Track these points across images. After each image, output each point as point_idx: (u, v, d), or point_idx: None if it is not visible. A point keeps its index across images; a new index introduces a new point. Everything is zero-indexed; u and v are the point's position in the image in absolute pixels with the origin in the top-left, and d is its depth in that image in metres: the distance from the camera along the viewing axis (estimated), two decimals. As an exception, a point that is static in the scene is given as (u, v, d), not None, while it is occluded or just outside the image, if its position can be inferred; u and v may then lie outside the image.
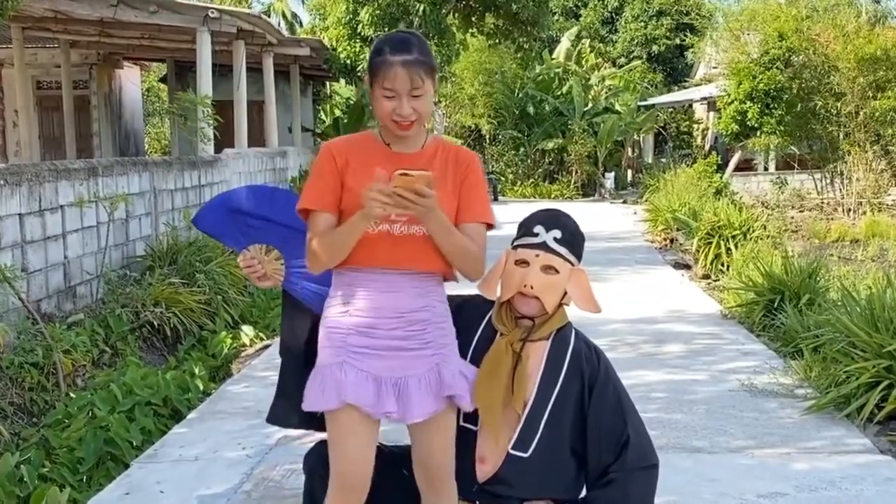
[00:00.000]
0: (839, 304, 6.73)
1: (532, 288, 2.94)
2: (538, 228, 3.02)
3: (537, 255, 2.97)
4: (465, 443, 3.00)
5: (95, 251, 8.82)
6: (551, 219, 3.06)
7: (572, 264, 3.02)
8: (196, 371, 6.93)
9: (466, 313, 3.13)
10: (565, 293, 3.01)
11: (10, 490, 4.79)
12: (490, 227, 2.93)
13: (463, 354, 3.02)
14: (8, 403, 6.14)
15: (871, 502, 4.14)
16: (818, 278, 8.16)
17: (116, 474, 5.00)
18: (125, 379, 6.34)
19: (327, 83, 27.70)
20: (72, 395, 6.29)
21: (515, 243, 3.06)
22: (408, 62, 2.77)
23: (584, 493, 3.08)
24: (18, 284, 7.07)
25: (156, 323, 8.07)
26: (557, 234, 3.01)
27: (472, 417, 2.98)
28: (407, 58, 2.78)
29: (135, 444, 5.50)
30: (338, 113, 28.00)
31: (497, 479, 2.99)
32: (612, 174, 28.16)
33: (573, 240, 3.05)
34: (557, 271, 2.97)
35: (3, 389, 6.29)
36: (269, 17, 28.38)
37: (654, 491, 3.05)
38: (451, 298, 3.21)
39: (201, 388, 6.69)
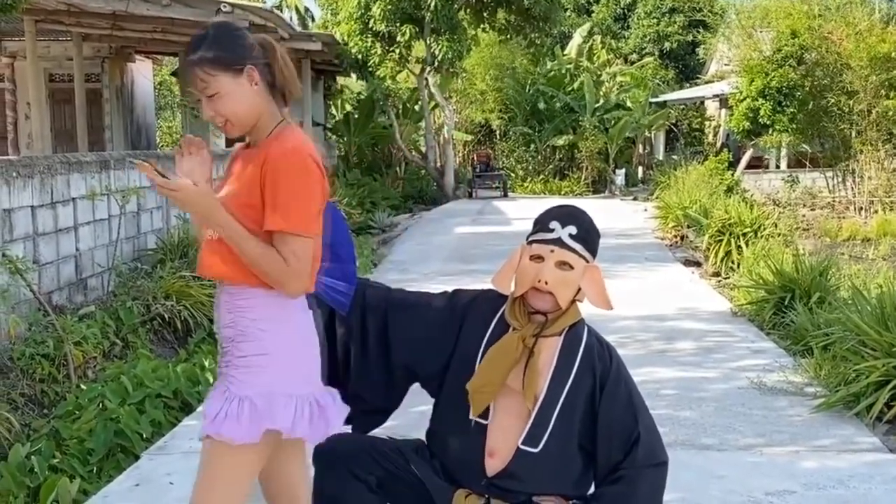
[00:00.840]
0: (849, 302, 6.73)
1: (546, 283, 2.94)
2: (554, 224, 3.02)
3: (552, 251, 2.97)
4: (476, 436, 3.00)
5: (107, 244, 8.87)
6: (567, 215, 3.06)
7: (587, 261, 3.02)
8: (206, 364, 6.95)
9: (478, 308, 3.13)
10: (579, 289, 3.01)
11: (21, 480, 4.82)
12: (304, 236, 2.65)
13: (475, 349, 3.02)
14: (19, 394, 6.18)
15: (879, 501, 4.14)
16: (829, 277, 8.16)
17: (126, 466, 5.03)
18: (136, 371, 6.37)
19: (338, 78, 27.73)
20: (82, 386, 6.32)
21: (530, 238, 3.05)
22: (192, 62, 2.63)
23: (592, 489, 3.08)
24: (30, 276, 7.11)
25: (166, 316, 8.10)
26: (573, 230, 3.01)
27: (484, 412, 2.99)
28: (191, 58, 2.64)
29: (145, 435, 5.53)
30: (348, 108, 28.05)
31: (506, 474, 2.99)
32: (623, 171, 28.11)
33: (588, 236, 3.04)
34: (572, 267, 2.97)
35: (14, 381, 6.34)
36: (281, 11, 28.42)
37: (664, 488, 3.06)
38: (462, 293, 3.22)
39: (211, 380, 6.71)
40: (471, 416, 3.00)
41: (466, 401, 3.00)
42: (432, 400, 3.20)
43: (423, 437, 3.23)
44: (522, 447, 2.97)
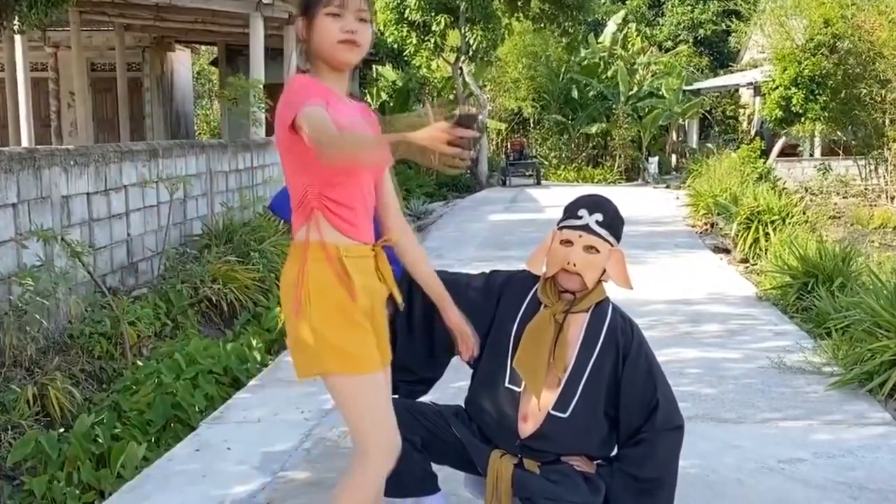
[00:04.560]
0: (868, 287, 6.97)
1: (575, 265, 3.24)
2: (582, 212, 3.32)
3: (580, 236, 3.27)
4: (510, 403, 3.31)
5: (156, 229, 9.24)
6: (594, 203, 3.35)
7: (612, 245, 3.31)
8: (254, 343, 7.30)
9: (513, 287, 3.45)
10: (604, 271, 3.31)
11: (87, 448, 5.19)
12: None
13: (510, 323, 3.34)
14: (79, 370, 6.55)
15: (885, 469, 4.41)
16: (851, 263, 8.38)
17: (183, 435, 5.38)
18: (188, 349, 6.74)
19: (374, 67, 28.01)
20: (139, 363, 6.68)
21: (561, 224, 3.35)
22: None
23: (615, 451, 3.38)
24: (86, 260, 7.49)
25: (213, 298, 8.45)
26: (599, 217, 3.30)
27: (516, 379, 3.30)
28: None
29: (199, 408, 5.90)
30: (384, 97, 28.28)
31: (538, 436, 3.29)
32: (656, 159, 28.16)
33: (613, 223, 3.33)
34: (598, 251, 3.27)
35: (75, 357, 6.71)
36: None
37: (680, 450, 3.34)
38: (498, 273, 3.54)
39: (259, 358, 7.07)
40: (506, 384, 3.33)
41: (502, 370, 3.33)
42: (467, 377, 3.51)
43: (461, 405, 3.56)
44: (553, 412, 3.27)
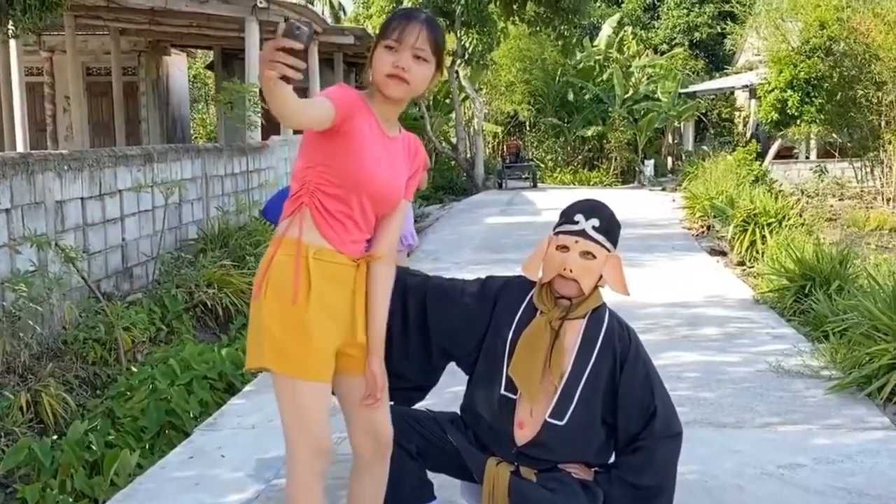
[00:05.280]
0: (866, 290, 6.95)
1: (571, 271, 3.20)
2: (578, 217, 3.28)
3: (577, 242, 3.23)
4: (506, 410, 3.28)
5: (151, 234, 9.21)
6: (590, 208, 3.32)
7: (608, 251, 3.28)
8: (248, 348, 7.25)
9: (509, 293, 3.40)
10: (601, 276, 3.28)
11: (80, 455, 5.15)
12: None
13: (506, 330, 3.30)
14: (73, 376, 6.51)
15: (884, 474, 4.37)
16: (848, 265, 8.36)
17: (177, 442, 5.35)
18: (183, 354, 6.70)
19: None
20: (133, 369, 6.65)
21: (557, 230, 3.32)
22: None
23: (613, 458, 3.35)
24: (81, 265, 7.46)
25: (208, 303, 8.42)
26: (596, 222, 3.26)
27: (512, 387, 3.27)
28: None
29: (193, 414, 5.86)
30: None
31: (534, 444, 3.26)
32: (652, 161, 28.21)
33: (610, 228, 3.30)
34: (594, 256, 3.23)
35: (69, 363, 6.67)
36: (313, 5, 28.70)
37: (678, 457, 3.31)
38: (494, 279, 3.50)
39: (254, 364, 7.02)
40: (502, 391, 3.29)
41: (498, 377, 3.29)
42: (463, 382, 3.47)
43: (457, 412, 3.52)
44: (549, 420, 3.24)
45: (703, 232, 14.73)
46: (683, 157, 27.80)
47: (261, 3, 14.13)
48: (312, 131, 2.83)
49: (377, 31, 2.96)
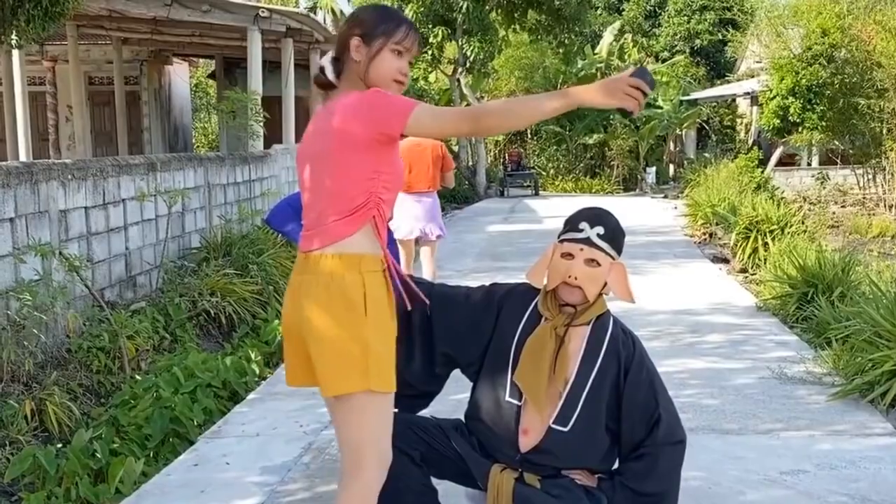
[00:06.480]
0: (869, 296, 6.96)
1: (576, 279, 3.23)
2: (583, 225, 3.30)
3: (581, 249, 3.26)
4: (510, 416, 3.29)
5: (154, 243, 9.22)
6: (595, 216, 3.34)
7: (613, 258, 3.30)
8: (252, 356, 7.28)
9: (513, 300, 3.42)
10: (605, 284, 3.30)
11: (85, 463, 5.16)
12: None
13: (511, 337, 3.32)
14: (77, 385, 6.51)
15: (888, 480, 4.38)
16: (850, 272, 8.37)
17: (182, 450, 5.35)
18: (186, 363, 6.71)
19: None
20: (137, 377, 6.64)
21: (562, 237, 3.34)
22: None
23: (616, 464, 3.37)
24: (85, 274, 7.47)
25: (212, 311, 8.42)
26: (601, 230, 3.28)
27: (516, 393, 3.28)
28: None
29: (197, 422, 5.87)
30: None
31: (539, 450, 3.27)
32: (654, 169, 28.24)
33: (614, 236, 3.32)
34: (599, 264, 3.26)
35: (73, 372, 6.67)
36: (315, 13, 28.75)
37: (682, 464, 3.33)
38: (498, 286, 3.52)
39: (258, 371, 7.04)
40: (506, 398, 3.30)
41: (503, 383, 3.31)
42: (467, 389, 3.49)
43: (461, 419, 3.53)
44: (554, 426, 3.25)
45: (705, 239, 14.75)
46: (685, 165, 27.81)
47: (263, 12, 14.16)
48: (369, 139, 2.78)
49: (372, 22, 2.94)
